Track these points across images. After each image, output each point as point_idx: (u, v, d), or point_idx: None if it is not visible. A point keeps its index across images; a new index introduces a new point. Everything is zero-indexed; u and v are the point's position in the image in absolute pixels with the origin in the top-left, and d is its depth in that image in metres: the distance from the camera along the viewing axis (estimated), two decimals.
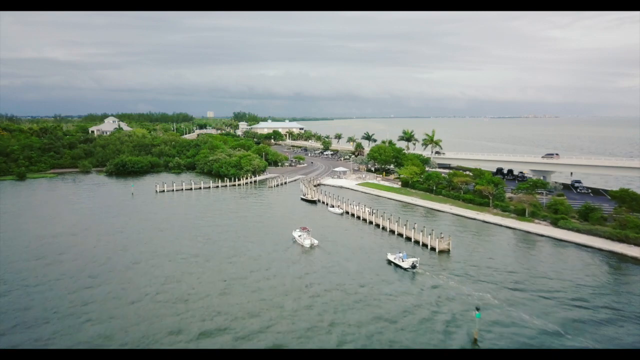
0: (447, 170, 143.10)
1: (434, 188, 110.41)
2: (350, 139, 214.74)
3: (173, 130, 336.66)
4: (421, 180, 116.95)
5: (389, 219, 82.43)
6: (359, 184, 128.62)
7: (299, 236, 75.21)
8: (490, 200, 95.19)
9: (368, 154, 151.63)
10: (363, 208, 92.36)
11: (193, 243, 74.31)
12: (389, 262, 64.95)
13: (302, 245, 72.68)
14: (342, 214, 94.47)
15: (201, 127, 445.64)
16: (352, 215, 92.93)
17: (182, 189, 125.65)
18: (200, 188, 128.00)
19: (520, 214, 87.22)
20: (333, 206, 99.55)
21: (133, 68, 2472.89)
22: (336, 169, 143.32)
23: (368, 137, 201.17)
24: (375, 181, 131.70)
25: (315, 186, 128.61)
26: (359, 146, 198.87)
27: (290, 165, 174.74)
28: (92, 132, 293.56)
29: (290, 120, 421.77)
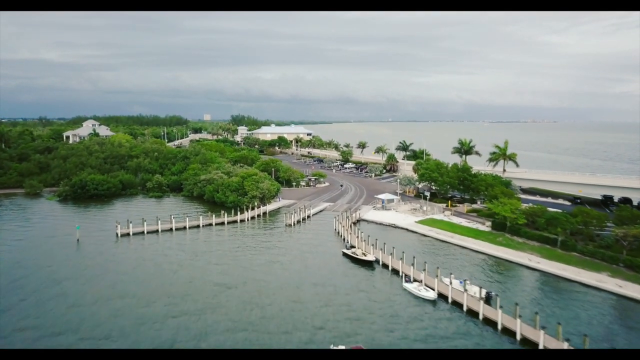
0: (547, 199, 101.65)
1: (559, 238, 68.52)
2: (379, 149, 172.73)
3: (163, 136, 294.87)
4: (537, 222, 75.19)
5: (567, 341, 39.97)
6: (419, 222, 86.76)
7: None
8: None
9: (420, 173, 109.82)
10: (479, 292, 50.36)
11: None
12: None
13: None
14: (434, 300, 52.16)
15: (196, 131, 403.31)
16: (455, 304, 50.82)
17: (158, 230, 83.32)
18: (184, 228, 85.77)
19: None
20: (410, 279, 57.12)
21: (129, 70, 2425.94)
22: (380, 196, 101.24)
23: (404, 147, 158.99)
24: (444, 217, 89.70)
25: (353, 224, 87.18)
26: (391, 158, 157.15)
27: (308, 185, 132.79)
28: (67, 137, 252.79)
29: (295, 124, 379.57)
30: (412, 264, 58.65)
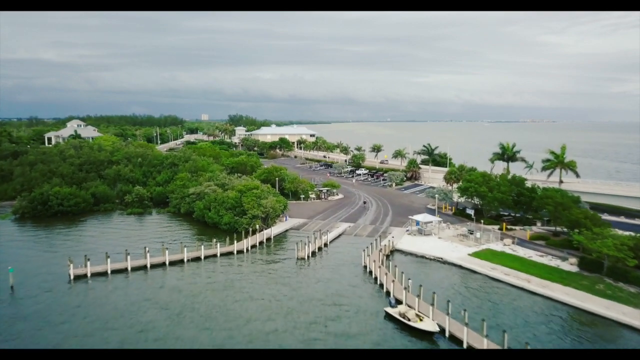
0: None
1: None
2: (398, 153, 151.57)
3: (155, 137, 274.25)
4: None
5: None
6: (474, 255, 65.68)
7: None
8: None
9: (462, 187, 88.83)
10: None
11: None
12: None
13: None
14: None
15: (192, 131, 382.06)
16: None
17: (127, 269, 62.10)
18: (163, 264, 64.56)
19: None
20: None
21: (127, 70, 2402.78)
22: (416, 217, 79.98)
23: (429, 152, 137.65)
24: (505, 248, 68.61)
25: (386, 256, 66.30)
26: (412, 164, 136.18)
27: (319, 197, 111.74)
28: (50, 139, 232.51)
29: (297, 124, 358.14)
30: (504, 345, 37.38)
